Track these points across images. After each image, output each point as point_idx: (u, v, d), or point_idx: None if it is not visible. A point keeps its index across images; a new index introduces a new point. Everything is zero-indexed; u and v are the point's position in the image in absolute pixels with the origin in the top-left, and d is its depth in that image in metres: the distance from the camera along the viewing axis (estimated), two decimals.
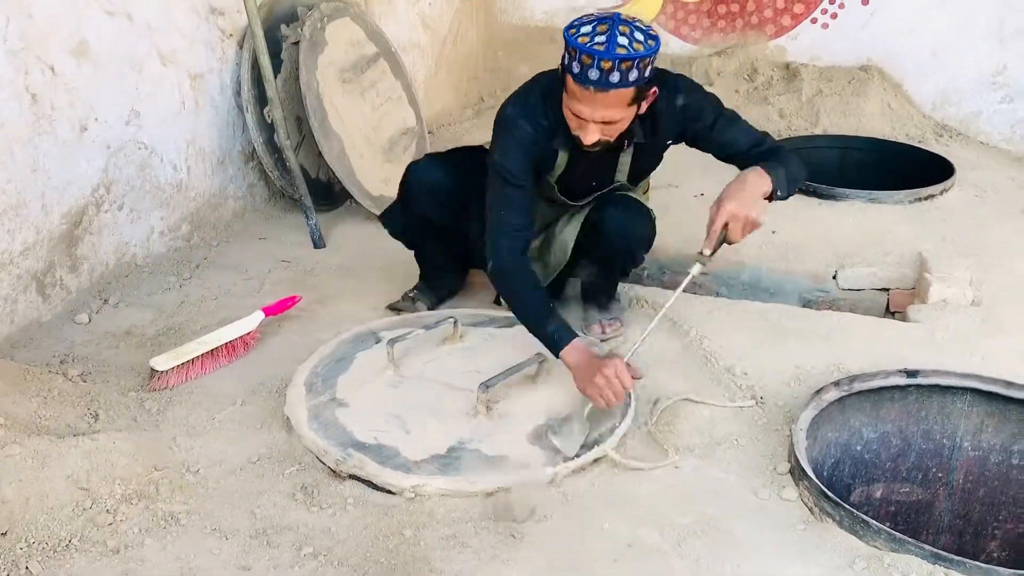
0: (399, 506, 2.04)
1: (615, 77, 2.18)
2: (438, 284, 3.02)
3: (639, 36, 2.20)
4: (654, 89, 2.36)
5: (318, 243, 3.49)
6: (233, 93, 3.53)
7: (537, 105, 2.44)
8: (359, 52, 3.89)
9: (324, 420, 2.27)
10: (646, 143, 2.56)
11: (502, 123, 2.49)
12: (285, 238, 3.56)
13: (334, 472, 2.15)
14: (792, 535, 1.95)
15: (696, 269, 2.32)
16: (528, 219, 2.50)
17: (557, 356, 2.32)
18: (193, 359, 2.53)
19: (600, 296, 2.87)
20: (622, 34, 2.18)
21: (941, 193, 3.95)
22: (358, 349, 2.61)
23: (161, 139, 3.22)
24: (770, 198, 2.39)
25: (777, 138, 4.55)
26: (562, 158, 2.54)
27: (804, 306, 3.34)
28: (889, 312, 3.39)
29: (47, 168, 2.76)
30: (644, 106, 2.38)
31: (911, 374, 2.41)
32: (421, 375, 2.48)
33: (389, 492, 2.07)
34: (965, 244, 3.45)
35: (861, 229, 3.62)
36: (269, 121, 3.50)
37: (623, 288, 2.99)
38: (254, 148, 3.59)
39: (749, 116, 4.82)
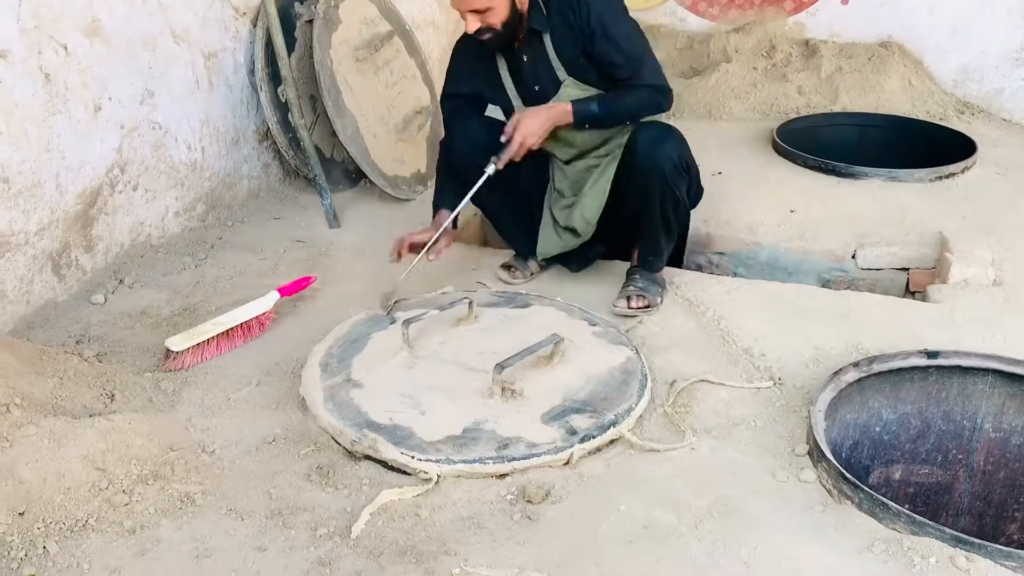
0: (418, 482, 2.03)
1: None
2: (524, 247, 3.07)
3: None
4: None
5: (332, 223, 3.48)
6: (247, 72, 3.52)
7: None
8: (373, 30, 3.86)
9: (339, 401, 2.27)
10: (558, 31, 2.70)
11: (454, 53, 2.98)
12: (299, 218, 3.55)
13: (349, 453, 2.15)
14: (810, 517, 1.94)
15: (490, 169, 2.69)
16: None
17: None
18: (208, 339, 2.53)
19: (648, 254, 2.85)
20: None
21: (963, 171, 3.90)
22: (373, 330, 2.60)
23: (175, 119, 3.22)
24: (581, 126, 2.72)
25: (795, 115, 4.56)
26: (502, 63, 2.84)
27: (823, 286, 3.32)
28: (909, 292, 3.36)
29: (61, 148, 2.76)
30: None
31: (931, 355, 2.39)
32: (436, 356, 2.47)
33: (404, 472, 2.07)
34: (987, 223, 3.40)
35: (881, 208, 3.58)
36: (283, 100, 3.48)
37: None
38: (268, 127, 3.58)
39: (767, 93, 4.84)
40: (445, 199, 2.84)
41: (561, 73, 2.75)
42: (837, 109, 4.70)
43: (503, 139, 2.67)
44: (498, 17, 2.62)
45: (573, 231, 2.89)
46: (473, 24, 2.64)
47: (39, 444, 1.95)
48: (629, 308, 2.76)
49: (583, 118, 2.69)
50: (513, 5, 2.64)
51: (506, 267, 3.06)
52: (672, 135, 2.73)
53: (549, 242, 2.96)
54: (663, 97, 2.73)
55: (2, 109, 2.54)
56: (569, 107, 2.68)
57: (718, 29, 5.31)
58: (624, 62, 2.67)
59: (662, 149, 2.67)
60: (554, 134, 2.77)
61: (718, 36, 5.21)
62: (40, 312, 2.75)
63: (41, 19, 2.62)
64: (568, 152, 2.89)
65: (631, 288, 2.82)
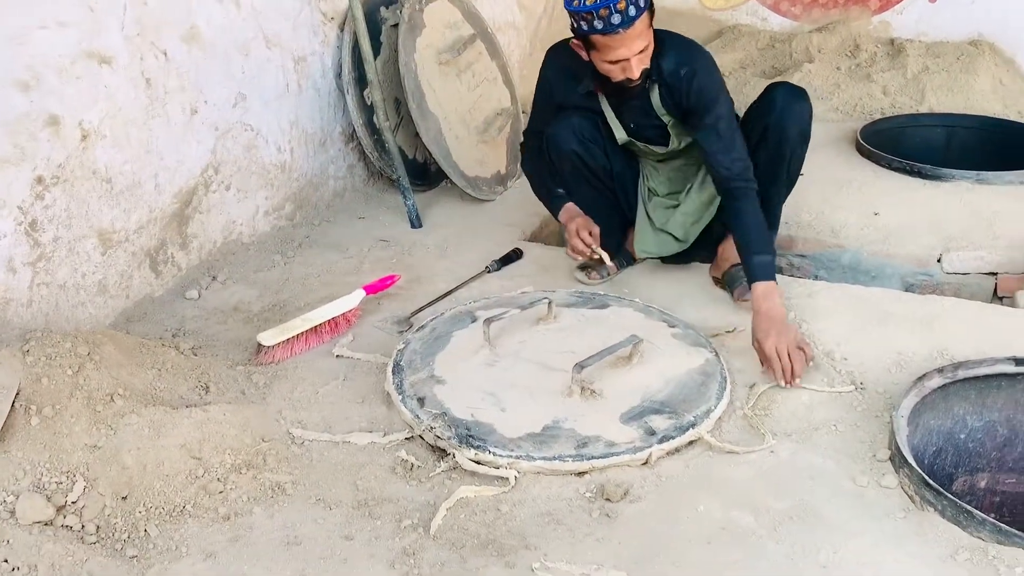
0: (495, 482, 2.08)
1: (632, 10, 2.41)
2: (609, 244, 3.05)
3: None
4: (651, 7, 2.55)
5: (415, 223, 3.55)
6: (334, 75, 3.62)
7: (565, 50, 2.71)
8: (456, 33, 3.92)
9: (422, 396, 2.33)
10: (665, 83, 2.68)
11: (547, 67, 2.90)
12: (383, 218, 3.64)
13: (432, 447, 2.20)
14: (892, 523, 1.92)
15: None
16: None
17: (557, 217, 2.95)
18: (298, 335, 2.61)
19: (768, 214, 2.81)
20: None
21: None
22: (455, 328, 2.66)
23: (266, 121, 3.32)
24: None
25: (880, 116, 4.49)
26: (604, 102, 2.81)
27: (906, 290, 3.26)
28: (997, 297, 3.29)
29: (159, 149, 2.88)
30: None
31: (1020, 362, 2.34)
32: (516, 354, 2.52)
33: (485, 467, 2.11)
34: None
35: (968, 211, 3.50)
36: (369, 103, 3.57)
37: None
38: (354, 129, 3.67)
39: (851, 94, 4.77)
40: (557, 195, 2.94)
41: (665, 117, 2.76)
42: (924, 110, 4.60)
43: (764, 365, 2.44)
44: (649, 56, 2.56)
45: (674, 237, 2.93)
46: (639, 67, 2.53)
47: (140, 432, 2.05)
48: (744, 299, 2.75)
49: (772, 272, 2.55)
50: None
51: (583, 268, 3.09)
52: (805, 96, 2.75)
53: (648, 242, 2.99)
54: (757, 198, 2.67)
55: (107, 113, 2.66)
56: (767, 285, 2.50)
57: (800, 29, 5.25)
58: (729, 162, 2.63)
59: (798, 107, 2.71)
60: (640, 149, 2.90)
61: (800, 36, 5.15)
62: (138, 306, 2.87)
63: (143, 27, 2.75)
64: (657, 155, 2.92)
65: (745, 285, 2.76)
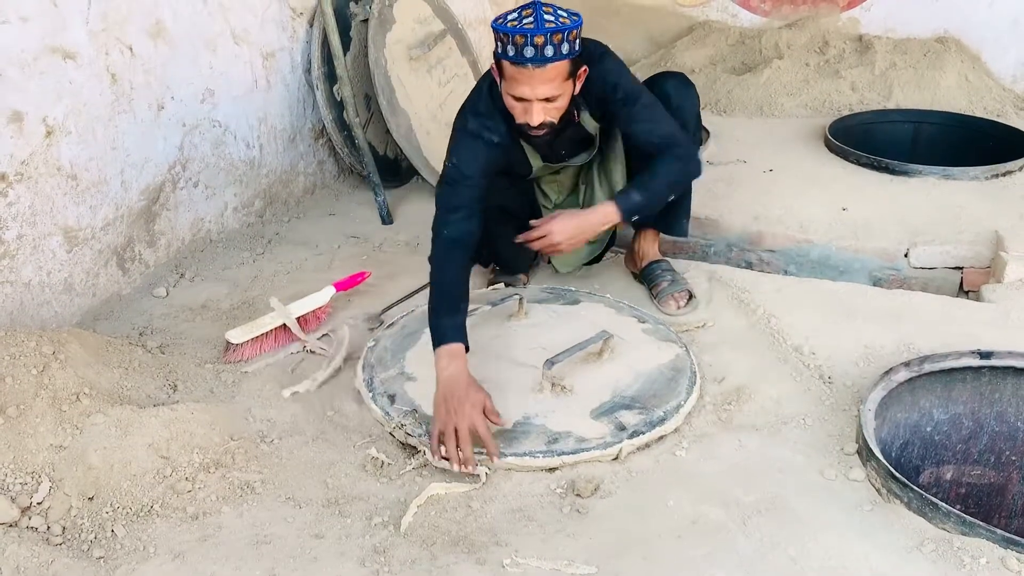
0: (466, 479, 2.07)
1: (549, 51, 2.28)
2: (524, 265, 3.04)
3: (562, 13, 2.33)
4: (584, 67, 2.44)
5: (386, 219, 3.54)
6: (303, 71, 3.59)
7: (491, 114, 2.51)
8: (426, 29, 3.91)
9: (393, 393, 2.32)
10: (591, 105, 2.58)
11: (460, 130, 2.54)
12: (354, 214, 3.62)
13: (403, 444, 2.20)
14: (859, 516, 1.94)
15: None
16: (475, 222, 2.46)
17: (435, 349, 2.25)
18: (267, 333, 2.59)
19: (682, 216, 2.84)
20: (547, 13, 2.30)
21: (1020, 169, 3.83)
22: (426, 325, 2.63)
23: (234, 117, 3.30)
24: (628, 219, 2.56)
25: (848, 112, 4.52)
26: (532, 153, 2.67)
27: (874, 284, 3.29)
28: (962, 291, 3.32)
29: (126, 146, 2.85)
30: (578, 85, 2.45)
31: (985, 355, 2.37)
32: (487, 351, 2.51)
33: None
34: None
35: (935, 206, 3.54)
36: (339, 99, 3.55)
37: (694, 269, 2.99)
38: (324, 125, 3.65)
39: (819, 90, 4.80)
40: (448, 327, 2.29)
41: (592, 127, 2.64)
42: (891, 106, 4.64)
43: (532, 225, 2.52)
44: (559, 111, 2.42)
45: (588, 241, 2.79)
46: (539, 116, 2.38)
47: (107, 432, 2.03)
48: (680, 308, 2.79)
49: (628, 211, 2.51)
50: (572, 98, 2.45)
51: (492, 285, 2.97)
52: (691, 83, 2.75)
53: (566, 255, 2.87)
54: (693, 163, 2.61)
55: (71, 108, 2.63)
56: (612, 207, 2.49)
57: (770, 25, 5.28)
58: (661, 132, 2.54)
59: (689, 93, 2.73)
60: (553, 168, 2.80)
61: (770, 32, 5.18)
62: (105, 304, 2.84)
63: (108, 21, 2.71)
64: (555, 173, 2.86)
65: (664, 285, 2.84)
